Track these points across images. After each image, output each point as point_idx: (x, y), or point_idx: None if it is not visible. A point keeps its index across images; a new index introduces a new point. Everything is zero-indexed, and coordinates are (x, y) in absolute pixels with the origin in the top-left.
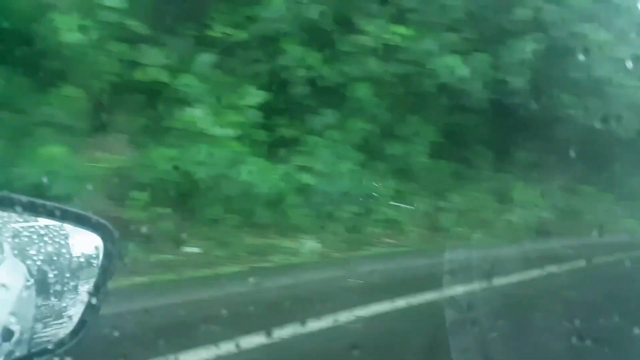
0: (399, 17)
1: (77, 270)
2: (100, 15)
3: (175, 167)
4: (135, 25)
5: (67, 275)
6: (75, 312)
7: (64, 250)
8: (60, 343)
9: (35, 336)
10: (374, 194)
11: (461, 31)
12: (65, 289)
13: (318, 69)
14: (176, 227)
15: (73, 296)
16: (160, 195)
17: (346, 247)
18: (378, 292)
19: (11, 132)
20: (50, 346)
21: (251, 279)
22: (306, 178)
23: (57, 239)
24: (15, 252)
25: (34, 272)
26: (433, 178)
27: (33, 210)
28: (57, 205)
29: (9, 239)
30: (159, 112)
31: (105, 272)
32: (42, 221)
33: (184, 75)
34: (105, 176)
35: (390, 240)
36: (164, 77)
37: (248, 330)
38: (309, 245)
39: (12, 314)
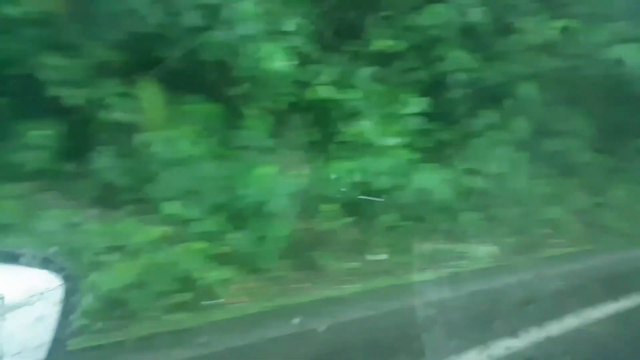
0: (558, 12)
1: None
2: (283, 40)
3: (355, 179)
4: (305, 46)
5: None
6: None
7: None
8: None
9: None
10: (536, 193)
11: (626, 20)
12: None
13: (477, 71)
14: (358, 236)
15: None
16: (342, 206)
17: (518, 249)
18: (593, 294)
19: (218, 156)
20: None
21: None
22: (472, 181)
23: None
24: None
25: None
26: (591, 173)
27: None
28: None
29: None
30: (330, 127)
31: (67, 311)
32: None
33: (348, 90)
34: (296, 191)
35: (556, 241)
36: (330, 93)
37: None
38: (485, 249)
39: None
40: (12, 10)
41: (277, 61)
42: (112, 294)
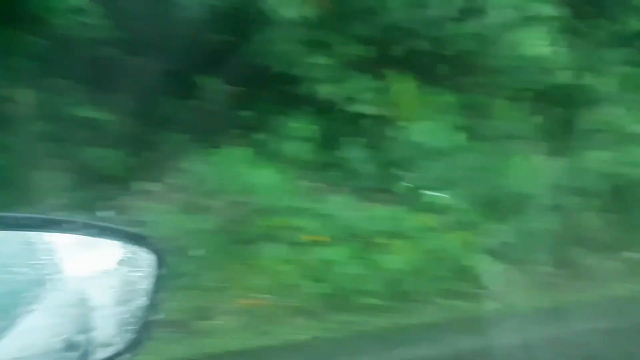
0: None
1: (131, 285)
2: (538, 25)
3: (609, 170)
4: (556, 30)
5: (122, 289)
6: (133, 323)
7: (119, 267)
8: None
9: (98, 346)
10: None
11: None
12: (123, 300)
13: None
14: (615, 231)
15: (131, 308)
16: (597, 198)
17: None
18: None
19: (471, 146)
20: (113, 354)
21: None
22: None
23: (111, 257)
24: (73, 269)
25: (93, 287)
26: None
27: (90, 230)
28: (110, 225)
29: (65, 259)
30: (578, 114)
31: (158, 287)
32: (95, 240)
33: (597, 75)
34: (551, 183)
35: None
36: (578, 79)
37: None
38: None
39: (75, 327)
40: (289, 13)
41: (534, 47)
42: (392, 275)
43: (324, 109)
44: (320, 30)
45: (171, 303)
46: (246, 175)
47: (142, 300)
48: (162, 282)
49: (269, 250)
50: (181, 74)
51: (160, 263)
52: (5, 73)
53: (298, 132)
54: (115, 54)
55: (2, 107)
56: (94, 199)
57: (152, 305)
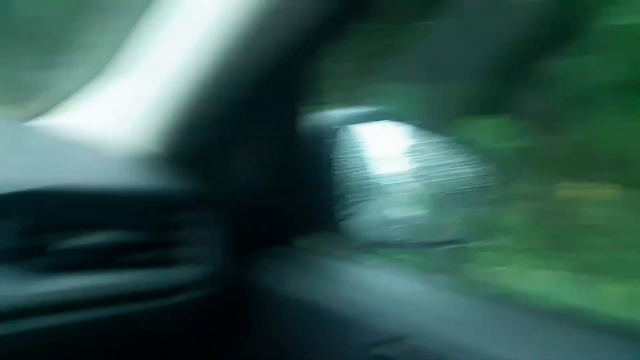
0: None
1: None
2: None
3: None
4: None
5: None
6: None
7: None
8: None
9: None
10: None
11: None
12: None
13: None
14: None
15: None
16: None
17: None
18: None
19: None
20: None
21: None
22: None
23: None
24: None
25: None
26: None
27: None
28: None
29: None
30: None
31: (485, 195)
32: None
33: None
34: None
35: None
36: None
37: None
38: None
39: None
40: None
41: None
42: None
43: None
44: None
45: None
46: None
47: (468, 205)
48: (488, 194)
49: None
50: None
51: (490, 176)
52: None
53: None
54: None
55: None
56: None
57: (477, 209)
